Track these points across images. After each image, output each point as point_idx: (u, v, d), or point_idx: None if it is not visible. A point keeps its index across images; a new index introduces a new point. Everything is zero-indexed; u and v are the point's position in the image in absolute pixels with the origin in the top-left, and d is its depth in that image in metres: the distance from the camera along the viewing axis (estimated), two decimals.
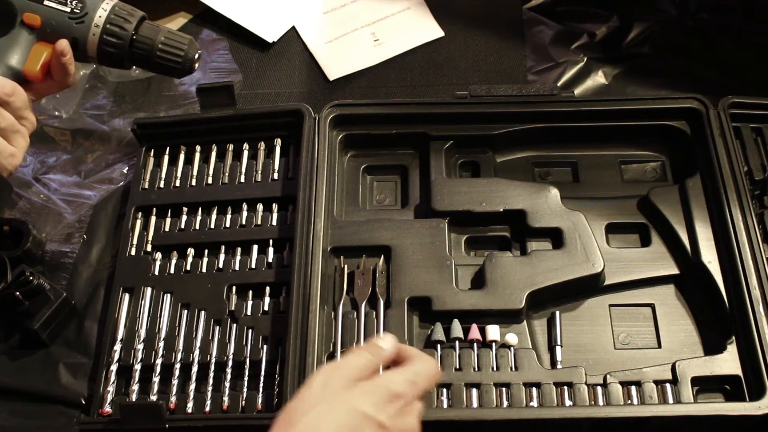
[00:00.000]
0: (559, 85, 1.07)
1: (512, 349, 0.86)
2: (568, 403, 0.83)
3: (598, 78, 1.08)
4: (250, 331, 0.88)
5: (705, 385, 0.84)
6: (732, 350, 0.84)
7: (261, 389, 0.85)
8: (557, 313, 0.89)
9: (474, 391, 0.84)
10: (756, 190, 0.94)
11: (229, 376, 0.86)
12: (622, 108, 0.97)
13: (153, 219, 0.96)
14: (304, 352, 0.83)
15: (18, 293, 0.87)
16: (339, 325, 0.87)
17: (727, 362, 0.84)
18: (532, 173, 0.99)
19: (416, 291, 0.88)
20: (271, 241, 0.93)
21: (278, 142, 0.99)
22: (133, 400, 0.86)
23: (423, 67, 1.13)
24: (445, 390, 0.84)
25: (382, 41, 1.15)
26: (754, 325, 0.83)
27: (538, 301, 0.89)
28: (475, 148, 0.99)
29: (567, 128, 0.98)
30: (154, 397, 0.86)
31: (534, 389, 0.84)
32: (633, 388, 0.84)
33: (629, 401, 0.83)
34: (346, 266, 0.91)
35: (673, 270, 0.91)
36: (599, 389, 0.84)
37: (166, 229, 0.96)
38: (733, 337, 0.85)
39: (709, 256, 0.89)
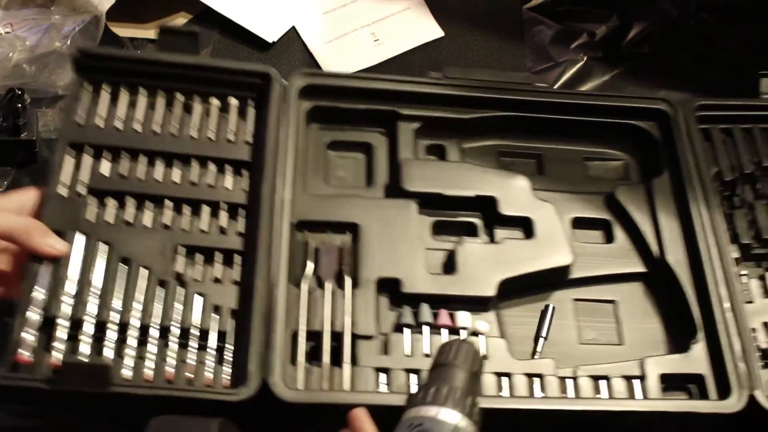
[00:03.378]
0: (558, 84, 1.08)
1: (483, 337, 0.83)
2: (539, 394, 0.81)
3: (598, 78, 1.08)
4: (201, 298, 0.81)
5: (672, 382, 0.84)
6: (698, 349, 0.84)
7: (215, 362, 0.78)
8: (551, 306, 0.88)
9: None
10: (726, 191, 0.95)
11: (175, 345, 0.78)
12: (593, 103, 0.96)
13: (89, 160, 0.85)
14: (269, 328, 0.78)
15: None
16: (304, 303, 0.82)
17: (693, 361, 0.84)
18: (497, 161, 0.97)
19: (385, 272, 0.84)
20: (226, 206, 0.86)
21: (235, 102, 0.91)
22: (59, 356, 0.74)
23: (423, 67, 1.11)
24: (413, 375, 0.80)
25: (382, 41, 1.15)
26: (719, 325, 0.84)
27: (505, 291, 0.87)
28: (443, 131, 0.95)
29: (536, 119, 0.96)
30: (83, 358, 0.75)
31: (504, 379, 0.81)
32: (602, 383, 0.83)
33: (598, 395, 0.82)
34: (310, 241, 0.86)
35: (639, 268, 0.91)
36: (569, 382, 0.82)
37: (105, 174, 0.85)
38: (699, 336, 0.85)
39: (676, 255, 0.89)
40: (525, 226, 0.90)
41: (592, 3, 1.16)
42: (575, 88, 1.08)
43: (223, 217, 0.85)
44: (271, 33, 1.15)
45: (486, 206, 0.90)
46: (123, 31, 1.12)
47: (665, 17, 1.14)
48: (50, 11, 1.08)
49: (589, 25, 1.14)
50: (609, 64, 1.10)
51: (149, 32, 1.14)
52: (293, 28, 1.17)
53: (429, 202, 0.90)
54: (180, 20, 1.16)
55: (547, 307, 0.88)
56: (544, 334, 0.86)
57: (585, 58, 1.10)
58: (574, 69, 1.10)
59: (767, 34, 1.14)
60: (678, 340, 0.87)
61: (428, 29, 1.17)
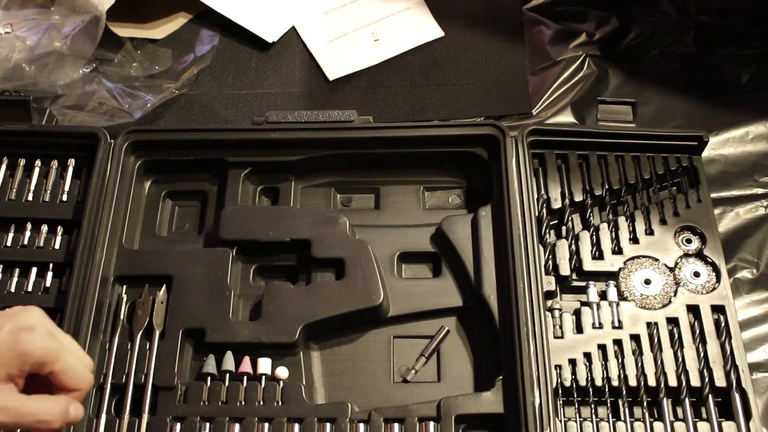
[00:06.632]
0: (556, 84, 1.08)
1: (281, 383, 0.85)
2: None
3: (596, 78, 1.09)
4: None
5: (471, 422, 0.83)
6: (499, 388, 0.83)
7: None
8: (445, 328, 0.89)
9: (237, 426, 0.83)
10: (553, 220, 0.92)
11: None
12: (421, 135, 0.95)
13: None
14: None
15: None
16: (113, 357, 0.87)
17: (492, 400, 0.82)
18: (335, 199, 0.98)
19: (191, 322, 0.88)
20: (51, 265, 0.91)
21: (71, 162, 0.97)
22: None
23: (423, 67, 1.14)
24: (208, 424, 0.83)
25: (382, 41, 1.17)
26: (519, 364, 0.81)
27: (318, 333, 0.89)
28: (276, 174, 0.97)
29: (367, 154, 0.96)
30: None
31: (296, 425, 0.83)
32: (396, 426, 0.82)
33: None
34: (125, 296, 0.90)
35: (460, 302, 0.89)
36: (362, 426, 0.83)
37: None
38: (503, 374, 0.83)
39: (490, 290, 0.87)
40: (337, 267, 0.90)
41: (592, 4, 1.15)
42: (574, 88, 1.08)
43: (49, 278, 0.91)
44: (271, 33, 1.17)
45: (301, 249, 0.91)
46: (123, 31, 1.14)
47: (665, 19, 1.12)
48: (50, 11, 1.10)
49: (588, 25, 1.13)
50: (608, 65, 1.10)
51: (149, 32, 1.16)
52: (293, 28, 1.19)
53: (247, 249, 0.92)
54: (180, 20, 1.19)
55: (442, 328, 0.89)
56: (426, 353, 0.88)
57: (584, 58, 1.11)
58: (572, 68, 1.10)
59: (767, 37, 1.10)
60: (487, 377, 0.85)
61: (428, 29, 1.17)
